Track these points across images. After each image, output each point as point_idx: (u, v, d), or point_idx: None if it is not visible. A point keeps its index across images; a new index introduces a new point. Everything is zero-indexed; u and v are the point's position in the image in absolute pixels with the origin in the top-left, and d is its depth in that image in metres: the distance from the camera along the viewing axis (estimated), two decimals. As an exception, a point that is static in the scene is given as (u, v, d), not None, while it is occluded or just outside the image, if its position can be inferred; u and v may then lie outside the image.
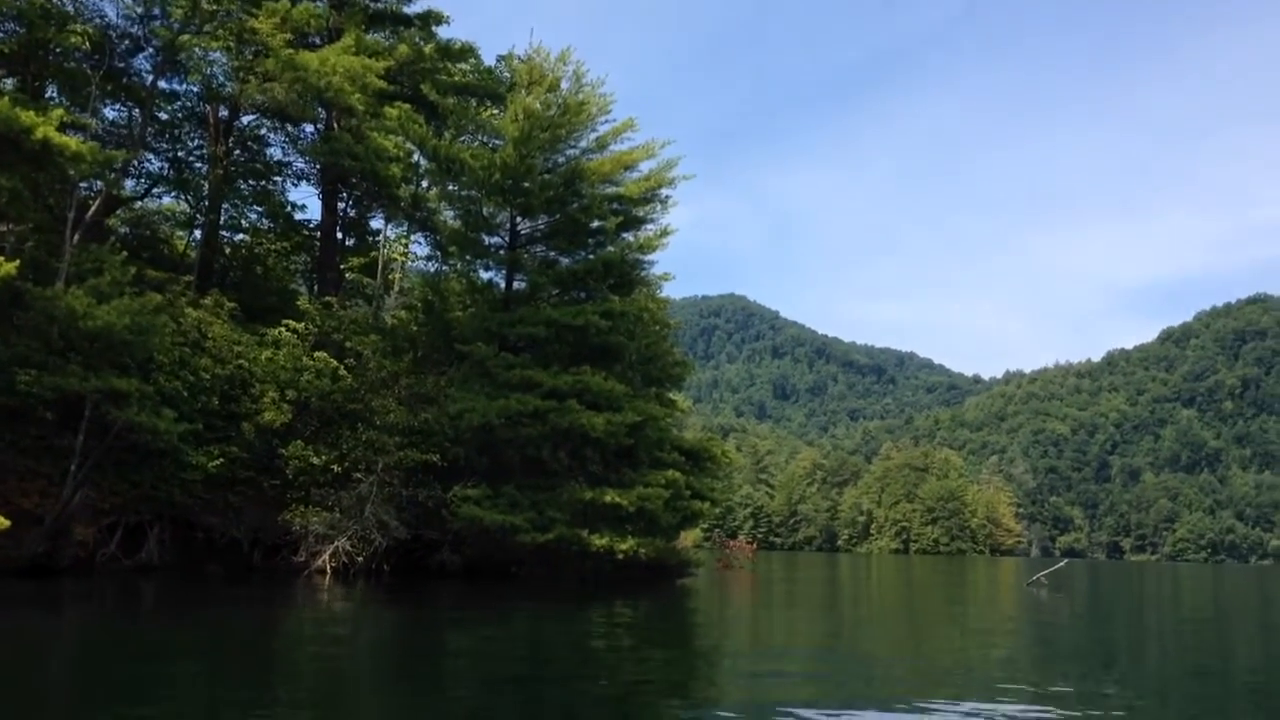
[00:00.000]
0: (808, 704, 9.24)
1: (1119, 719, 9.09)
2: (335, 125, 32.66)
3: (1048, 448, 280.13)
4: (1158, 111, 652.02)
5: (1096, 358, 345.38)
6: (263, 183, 35.14)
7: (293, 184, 35.56)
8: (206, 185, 32.67)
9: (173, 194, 35.47)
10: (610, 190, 32.94)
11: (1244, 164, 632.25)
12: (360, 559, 26.30)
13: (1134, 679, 12.51)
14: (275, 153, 35.01)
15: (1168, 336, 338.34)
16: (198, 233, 34.89)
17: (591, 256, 33.02)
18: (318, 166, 34.00)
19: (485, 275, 34.34)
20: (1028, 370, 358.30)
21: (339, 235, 36.06)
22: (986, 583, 44.91)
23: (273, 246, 36.03)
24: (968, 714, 8.99)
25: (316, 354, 28.23)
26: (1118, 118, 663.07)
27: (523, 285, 33.27)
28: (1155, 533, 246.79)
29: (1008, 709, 9.31)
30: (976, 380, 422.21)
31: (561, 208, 31.99)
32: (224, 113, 32.63)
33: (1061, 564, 58.97)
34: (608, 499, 28.32)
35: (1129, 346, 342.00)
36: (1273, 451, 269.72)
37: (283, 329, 28.48)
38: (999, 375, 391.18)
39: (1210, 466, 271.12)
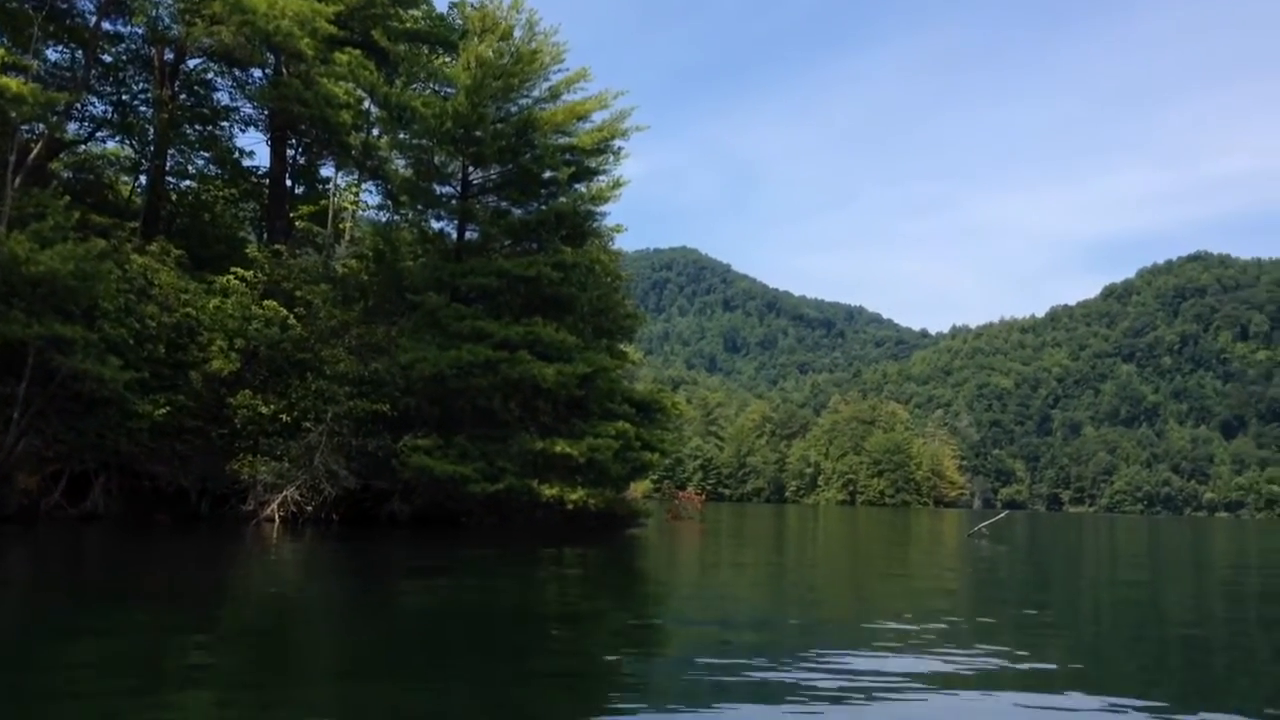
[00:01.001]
0: (754, 650, 9.46)
1: (1052, 656, 9.42)
2: (284, 70, 32.11)
3: (992, 401, 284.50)
4: (1105, 72, 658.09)
5: (1041, 313, 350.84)
6: (210, 128, 34.46)
7: (240, 130, 34.94)
8: (152, 130, 32.02)
9: (117, 138, 34.74)
10: (563, 141, 32.80)
11: (1188, 125, 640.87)
12: (309, 508, 26.25)
13: (1064, 621, 12.91)
14: (222, 97, 34.35)
15: (1110, 293, 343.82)
16: (143, 178, 34.28)
17: (544, 207, 32.94)
18: (266, 112, 33.43)
19: (437, 225, 34.20)
20: (974, 325, 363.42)
21: (288, 183, 35.55)
22: (929, 534, 45.72)
23: (220, 193, 35.47)
24: (911, 655, 9.26)
25: (265, 302, 27.96)
26: (1067, 78, 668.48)
27: (475, 236, 33.13)
28: (1094, 485, 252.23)
29: (945, 650, 9.60)
30: (924, 335, 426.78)
31: (514, 158, 31.82)
32: (169, 56, 31.90)
33: (1002, 515, 60.11)
34: (558, 449, 28.49)
35: (1072, 302, 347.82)
36: (1208, 406, 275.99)
37: (231, 277, 28.15)
38: (945, 330, 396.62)
39: (1148, 421, 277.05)
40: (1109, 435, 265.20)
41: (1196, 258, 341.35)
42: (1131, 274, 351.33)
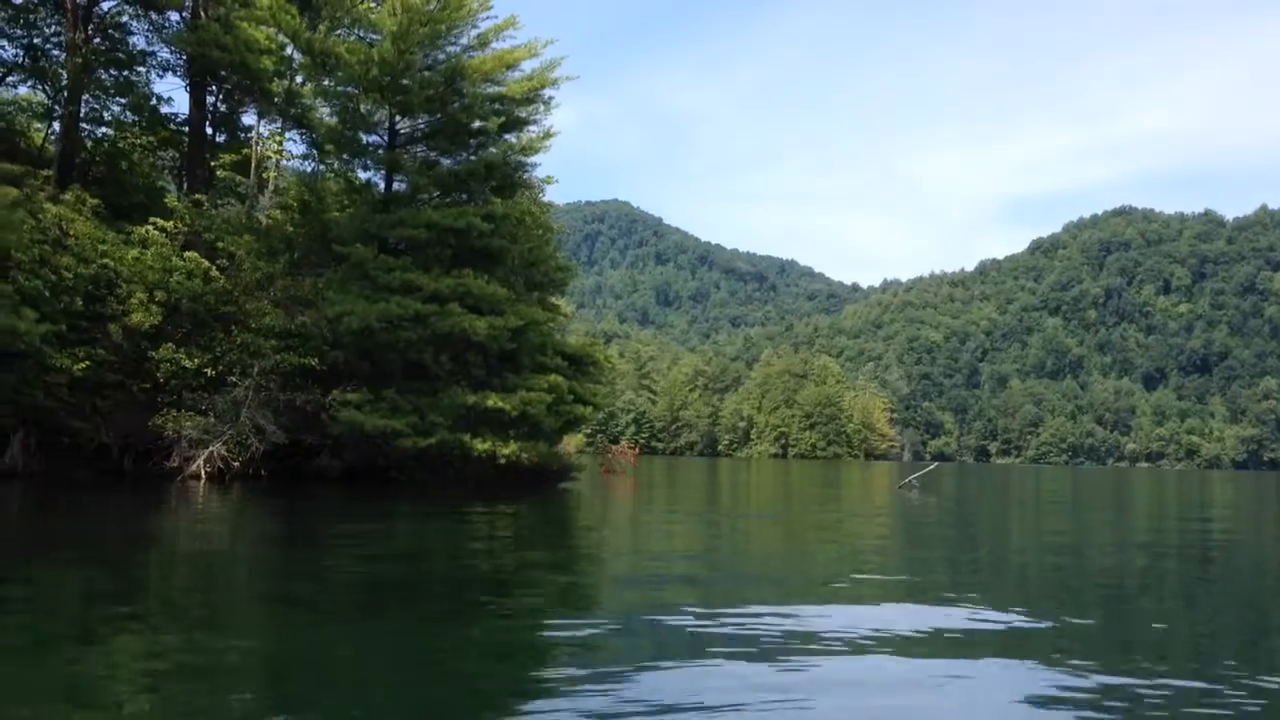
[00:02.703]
0: (686, 603, 9.44)
1: (974, 599, 9.54)
2: (202, 14, 31.13)
3: (921, 355, 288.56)
4: (1032, 28, 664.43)
5: (970, 268, 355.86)
6: (126, 73, 33.30)
7: (158, 75, 33.79)
8: (65, 75, 30.87)
9: (29, 83, 33.50)
10: (492, 90, 32.25)
11: (1113, 81, 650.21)
12: (236, 464, 25.82)
13: (991, 568, 13.10)
14: (139, 41, 33.14)
15: (1037, 247, 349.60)
16: (56, 125, 33.09)
17: (473, 158, 32.48)
18: (184, 57, 32.38)
19: (364, 175, 33.54)
20: (904, 279, 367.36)
21: (208, 131, 34.57)
22: (860, 485, 46.33)
23: (138, 141, 34.33)
24: (841, 604, 9.32)
25: (187, 254, 27.27)
26: (997, 33, 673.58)
27: (403, 186, 32.56)
28: (1020, 436, 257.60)
29: (879, 600, 9.68)
30: (855, 289, 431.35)
31: (442, 107, 31.26)
32: (82, -2, 30.77)
33: (931, 467, 61.05)
34: (490, 403, 28.30)
35: (1000, 257, 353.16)
36: (1131, 359, 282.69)
37: (150, 227, 27.37)
38: (877, 284, 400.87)
39: (1073, 373, 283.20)
40: (1035, 388, 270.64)
41: (1121, 212, 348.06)
42: (1058, 229, 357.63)
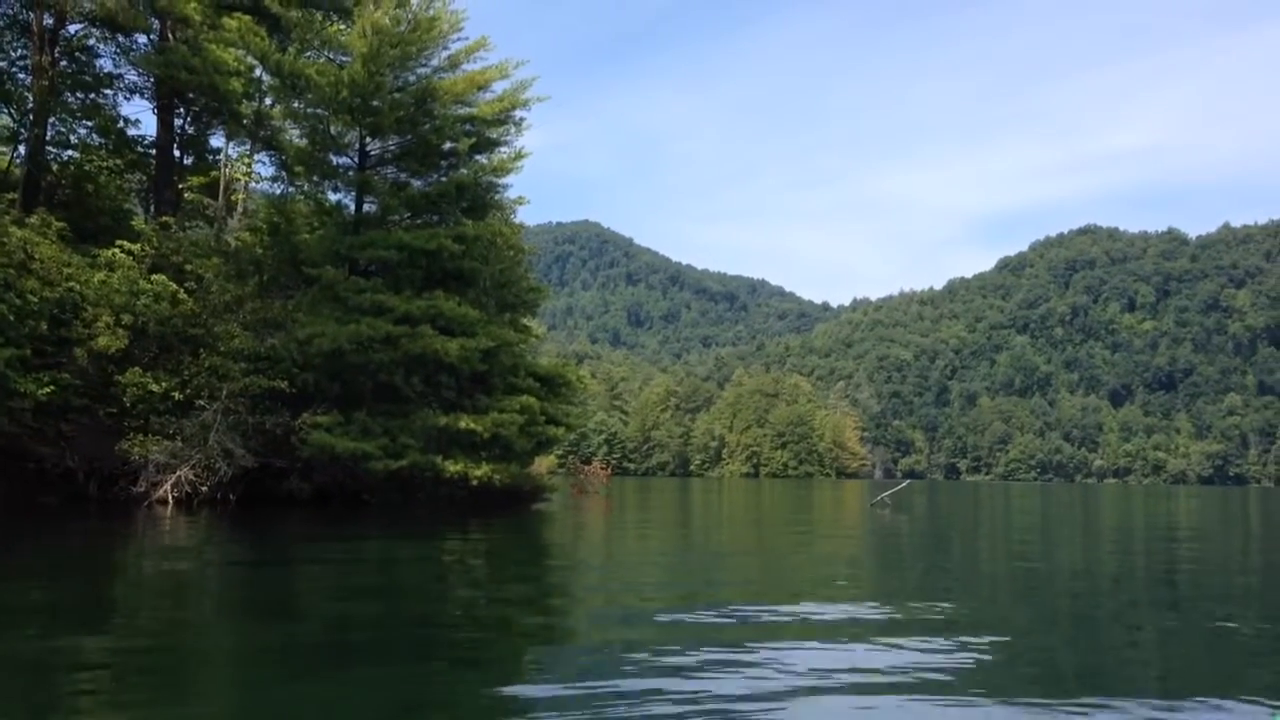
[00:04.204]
0: (660, 618, 9.38)
1: (947, 609, 9.54)
2: (170, 35, 30.94)
3: (892, 373, 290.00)
4: (999, 49, 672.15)
5: (939, 286, 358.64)
6: (92, 96, 33.02)
7: (125, 98, 33.49)
8: (31, 98, 30.56)
9: (-7, 106, 33.15)
10: (463, 111, 32.20)
11: (1078, 101, 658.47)
12: (204, 488, 25.51)
13: (964, 585, 13.11)
14: (106, 64, 32.86)
15: (1005, 265, 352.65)
16: (22, 148, 32.72)
17: (444, 179, 32.39)
18: (151, 80, 32.15)
19: (334, 197, 33.35)
20: (874, 298, 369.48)
21: (176, 153, 34.29)
22: (833, 504, 46.41)
23: (104, 164, 33.99)
24: (814, 623, 9.29)
25: (154, 277, 26.96)
26: (963, 55, 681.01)
27: (373, 207, 32.42)
28: (990, 454, 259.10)
29: (849, 611, 9.65)
30: (825, 307, 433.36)
31: (413, 128, 31.19)
32: (49, 20, 30.43)
33: (903, 485, 61.35)
34: (462, 425, 28.17)
35: (969, 275, 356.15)
36: (1097, 376, 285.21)
37: (117, 250, 27.06)
38: (847, 302, 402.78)
39: (1041, 390, 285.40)
40: (1004, 405, 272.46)
41: (1086, 231, 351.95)
42: (1025, 247, 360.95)
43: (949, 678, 7.10)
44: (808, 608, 10.50)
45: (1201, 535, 26.64)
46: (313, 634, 8.76)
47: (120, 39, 32.23)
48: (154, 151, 33.66)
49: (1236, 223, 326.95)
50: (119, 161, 34.18)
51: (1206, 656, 8.44)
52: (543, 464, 40.36)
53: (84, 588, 11.28)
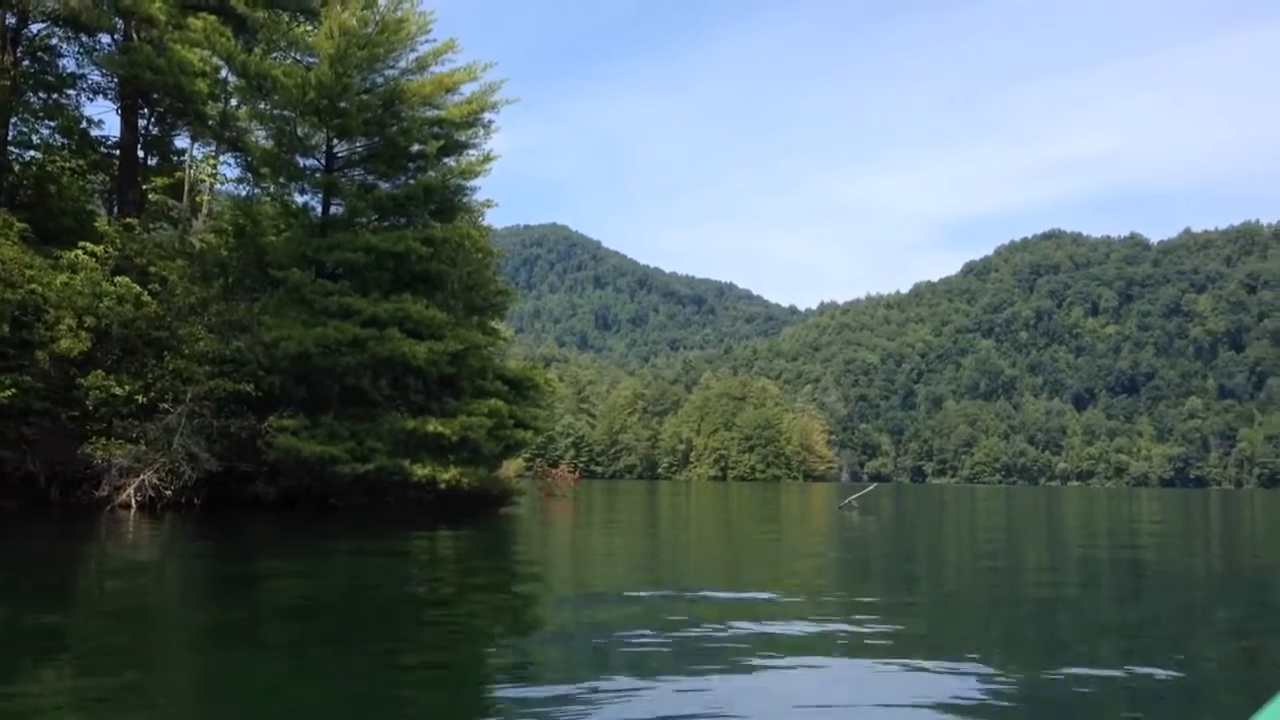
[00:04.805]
0: (631, 630, 9.38)
1: (914, 614, 9.60)
2: (134, 35, 30.64)
3: (858, 376, 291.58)
4: (966, 54, 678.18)
5: (905, 290, 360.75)
6: (55, 96, 32.63)
7: (89, 98, 33.13)
8: (-9, 97, 30.21)
9: (-47, 107, 32.69)
10: (431, 113, 32.09)
11: (1042, 107, 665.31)
12: (168, 492, 25.25)
13: (929, 588, 13.20)
14: (69, 64, 32.48)
15: (970, 269, 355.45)
16: (-17, 148, 32.33)
17: (412, 181, 32.27)
18: (115, 80, 31.84)
19: (300, 199, 33.13)
20: (841, 301, 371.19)
21: (140, 154, 33.97)
22: (800, 506, 46.58)
23: (67, 165, 33.60)
24: (790, 626, 9.32)
25: (117, 279, 26.67)
26: (936, 59, 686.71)
27: (340, 210, 32.25)
28: (955, 457, 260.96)
29: (821, 621, 9.70)
30: (793, 311, 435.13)
31: (380, 130, 31.05)
32: (11, 20, 30.05)
33: (871, 488, 61.70)
34: (430, 428, 28.05)
35: (935, 279, 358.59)
36: (1061, 379, 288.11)
37: (79, 252, 26.75)
38: (814, 306, 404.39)
39: (1006, 394, 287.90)
40: (969, 408, 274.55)
41: (1050, 236, 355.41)
42: (990, 251, 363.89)
43: (920, 656, 7.15)
44: (781, 621, 10.53)
45: (1166, 537, 26.95)
46: (274, 632, 8.70)
47: (84, 39, 31.89)
48: (118, 152, 33.32)
49: (1198, 228, 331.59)
50: (82, 162, 33.81)
51: (1167, 651, 8.54)
52: (510, 467, 40.28)
53: (47, 587, 11.14)
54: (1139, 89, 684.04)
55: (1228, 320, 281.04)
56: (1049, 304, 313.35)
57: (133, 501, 24.81)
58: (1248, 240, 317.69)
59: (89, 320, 25.47)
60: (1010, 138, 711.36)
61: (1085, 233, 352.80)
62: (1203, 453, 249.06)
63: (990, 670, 7.34)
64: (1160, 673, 7.36)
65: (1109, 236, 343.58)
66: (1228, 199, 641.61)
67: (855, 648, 8.29)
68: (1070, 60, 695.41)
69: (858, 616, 9.87)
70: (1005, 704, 6.29)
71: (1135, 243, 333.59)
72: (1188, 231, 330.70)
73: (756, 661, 7.51)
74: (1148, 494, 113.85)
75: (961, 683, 6.86)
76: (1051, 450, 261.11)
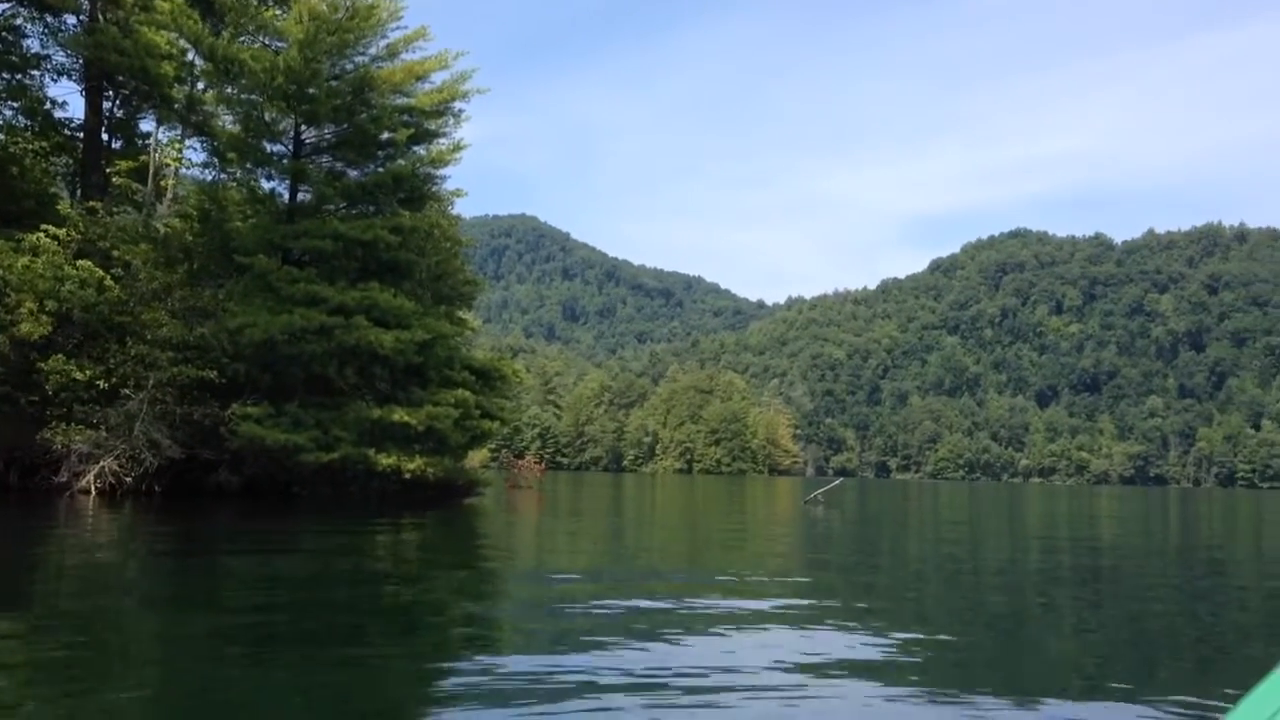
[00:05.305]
0: (592, 608, 9.38)
1: (879, 610, 9.66)
2: (100, 17, 30.25)
3: (825, 371, 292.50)
4: (937, 51, 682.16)
5: (872, 286, 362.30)
6: (19, 77, 32.11)
7: (53, 79, 32.64)
8: (-48, 77, 29.76)
9: (-86, 86, 32.15)
10: (401, 101, 31.92)
11: (1009, 106, 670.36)
12: (129, 479, 25.00)
13: (891, 575, 13.29)
14: (33, 45, 32.00)
15: (937, 267, 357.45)
16: (-57, 128, 31.82)
17: (381, 169, 32.10)
18: (80, 61, 31.42)
19: (267, 185, 32.87)
20: (809, 296, 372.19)
21: (105, 137, 33.56)
22: (766, 500, 46.74)
23: (30, 146, 33.13)
24: (748, 607, 9.36)
25: (80, 263, 26.33)
26: (906, 57, 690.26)
27: (308, 197, 32.02)
28: (919, 452, 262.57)
29: (788, 618, 9.74)
30: (760, 305, 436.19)
31: (349, 117, 30.85)
32: (-28, -2, 29.68)
33: (836, 482, 61.98)
34: (396, 418, 27.92)
35: (902, 276, 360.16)
36: (1025, 377, 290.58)
37: (41, 235, 26.40)
38: (782, 301, 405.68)
39: (970, 390, 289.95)
40: (934, 404, 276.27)
41: (1016, 234, 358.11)
42: (957, 249, 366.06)
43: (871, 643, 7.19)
44: (752, 620, 10.57)
45: (1126, 537, 27.26)
46: (237, 624, 8.60)
47: (49, 19, 31.42)
48: (81, 134, 32.91)
49: (1161, 229, 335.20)
50: (45, 144, 33.34)
51: (1126, 650, 8.64)
52: (476, 458, 40.22)
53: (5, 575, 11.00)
54: (1106, 90, 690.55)
55: (1189, 320, 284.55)
56: (1014, 302, 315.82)
57: (92, 488, 24.56)
58: (1210, 241, 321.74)
59: (50, 304, 25.15)
60: (978, 136, 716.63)
61: (1051, 232, 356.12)
62: (1162, 451, 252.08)
63: (912, 635, 7.40)
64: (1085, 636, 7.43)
65: (1074, 236, 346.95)
66: (1191, 201, 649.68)
67: (798, 619, 8.33)
68: (1039, 60, 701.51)
69: (806, 597, 9.91)
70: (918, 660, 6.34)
71: (1100, 242, 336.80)
72: (1151, 232, 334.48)
73: (727, 674, 7.53)
74: (1108, 492, 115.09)
75: (883, 642, 6.91)
76: (1014, 447, 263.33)
